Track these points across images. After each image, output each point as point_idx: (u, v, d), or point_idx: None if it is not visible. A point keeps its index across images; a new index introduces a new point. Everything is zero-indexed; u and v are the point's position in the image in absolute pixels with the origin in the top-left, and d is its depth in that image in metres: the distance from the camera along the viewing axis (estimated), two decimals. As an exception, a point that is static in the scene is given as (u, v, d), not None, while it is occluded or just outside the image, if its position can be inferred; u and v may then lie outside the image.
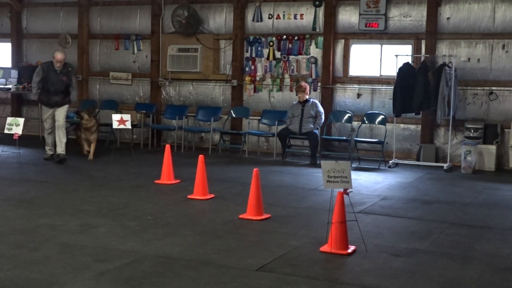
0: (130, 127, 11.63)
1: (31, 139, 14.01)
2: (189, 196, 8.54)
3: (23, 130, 10.41)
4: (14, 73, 15.16)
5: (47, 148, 11.64)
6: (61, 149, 11.31)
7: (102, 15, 14.95)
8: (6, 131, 10.49)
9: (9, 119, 10.55)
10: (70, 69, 11.49)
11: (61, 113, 11.37)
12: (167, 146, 9.63)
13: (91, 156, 11.72)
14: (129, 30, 14.67)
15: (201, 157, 8.56)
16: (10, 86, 14.92)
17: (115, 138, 13.75)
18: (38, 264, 5.55)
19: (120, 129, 12.04)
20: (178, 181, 9.61)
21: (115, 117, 11.35)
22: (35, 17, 15.65)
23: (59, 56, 11.25)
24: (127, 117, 11.36)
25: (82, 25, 14.94)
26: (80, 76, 14.87)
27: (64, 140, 11.32)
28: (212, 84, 13.97)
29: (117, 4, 14.77)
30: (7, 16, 15.77)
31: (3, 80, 15.19)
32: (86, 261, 5.67)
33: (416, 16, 12.32)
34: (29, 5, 15.65)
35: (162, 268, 5.53)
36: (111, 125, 11.81)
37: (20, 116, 14.33)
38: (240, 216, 7.48)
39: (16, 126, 10.39)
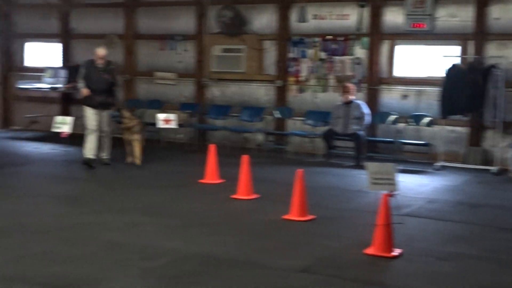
0: (175, 127, 11.70)
1: (79, 138, 14.23)
2: (233, 196, 8.57)
3: (70, 128, 10.60)
4: (64, 73, 15.45)
5: (87, 152, 10.73)
6: (105, 154, 10.86)
7: (148, 15, 15.10)
8: (54, 130, 10.68)
9: (58, 118, 10.75)
10: (112, 66, 10.94)
11: (106, 119, 10.83)
12: (212, 146, 9.68)
13: (137, 160, 10.95)
14: (175, 31, 14.77)
15: (245, 157, 8.58)
16: (59, 86, 15.23)
17: (160, 137, 13.89)
18: (84, 260, 5.64)
19: (165, 128, 12.12)
20: (222, 180, 9.65)
21: (160, 116, 11.44)
22: (82, 17, 15.89)
23: (101, 52, 10.68)
24: (172, 116, 11.45)
25: (129, 25, 15.13)
26: (127, 76, 15.07)
27: (108, 146, 10.84)
28: (256, 84, 13.99)
29: (163, 5, 14.90)
30: (56, 17, 16.05)
31: (52, 80, 15.50)
32: (131, 258, 5.74)
33: (464, 17, 12.10)
34: (77, 6, 15.90)
35: (206, 267, 5.56)
36: (156, 124, 11.89)
37: (69, 115, 14.58)
38: (284, 216, 7.47)
39: (64, 124, 10.60)
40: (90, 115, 10.69)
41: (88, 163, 10.62)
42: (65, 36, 15.95)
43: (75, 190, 8.79)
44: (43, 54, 16.55)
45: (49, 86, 15.45)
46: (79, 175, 10.14)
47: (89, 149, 10.68)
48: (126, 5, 15.11)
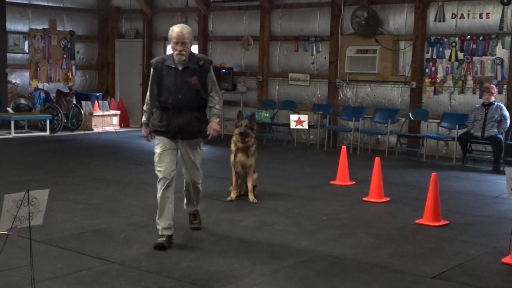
0: (307, 128, 11.76)
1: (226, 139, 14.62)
2: (364, 198, 8.50)
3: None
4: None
5: (159, 223, 6.15)
6: (194, 206, 6.78)
7: (283, 17, 15.28)
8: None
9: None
10: (201, 62, 6.16)
11: (192, 155, 6.33)
12: (343, 148, 9.65)
13: (252, 197, 8.17)
14: (309, 32, 14.85)
15: (377, 159, 8.47)
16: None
17: (292, 138, 14.02)
18: (217, 257, 5.80)
19: (297, 129, 12.23)
20: (353, 182, 9.59)
21: (293, 117, 11.55)
22: (220, 20, 16.35)
23: (177, 30, 5.99)
24: (304, 117, 11.52)
25: (264, 27, 15.38)
26: (261, 77, 15.35)
27: (198, 199, 6.75)
28: (390, 85, 13.76)
29: (298, 7, 15.02)
30: (195, 20, 16.62)
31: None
32: (262, 257, 5.84)
33: None
34: (215, 9, 16.39)
35: (336, 269, 5.56)
36: (288, 125, 12.01)
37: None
38: (416, 221, 7.32)
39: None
40: (163, 149, 6.23)
41: (160, 247, 5.98)
42: (203, 38, 16.46)
43: (210, 188, 9.00)
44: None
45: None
46: (213, 173, 10.36)
47: (164, 218, 6.14)
48: (262, 7, 15.37)
